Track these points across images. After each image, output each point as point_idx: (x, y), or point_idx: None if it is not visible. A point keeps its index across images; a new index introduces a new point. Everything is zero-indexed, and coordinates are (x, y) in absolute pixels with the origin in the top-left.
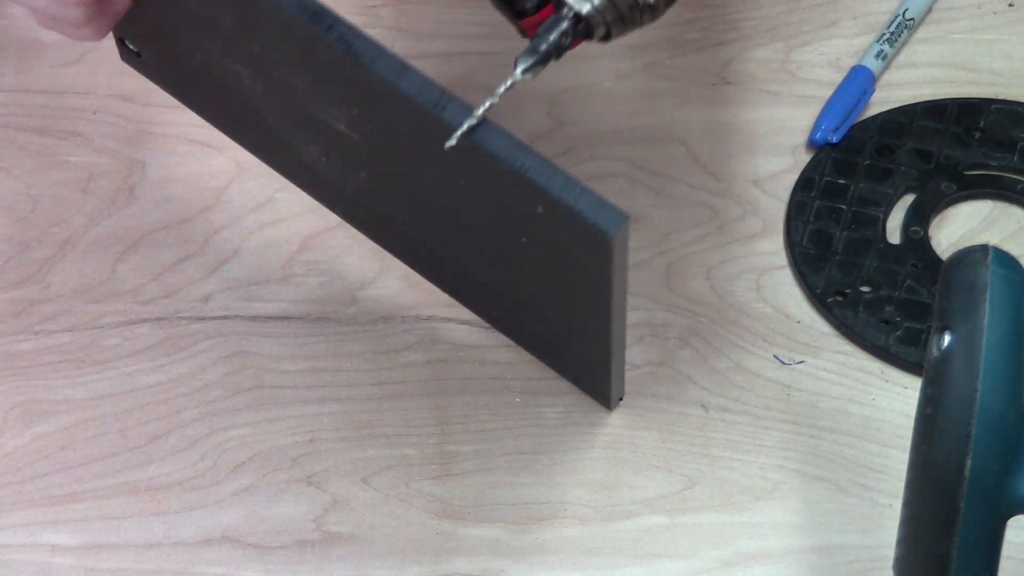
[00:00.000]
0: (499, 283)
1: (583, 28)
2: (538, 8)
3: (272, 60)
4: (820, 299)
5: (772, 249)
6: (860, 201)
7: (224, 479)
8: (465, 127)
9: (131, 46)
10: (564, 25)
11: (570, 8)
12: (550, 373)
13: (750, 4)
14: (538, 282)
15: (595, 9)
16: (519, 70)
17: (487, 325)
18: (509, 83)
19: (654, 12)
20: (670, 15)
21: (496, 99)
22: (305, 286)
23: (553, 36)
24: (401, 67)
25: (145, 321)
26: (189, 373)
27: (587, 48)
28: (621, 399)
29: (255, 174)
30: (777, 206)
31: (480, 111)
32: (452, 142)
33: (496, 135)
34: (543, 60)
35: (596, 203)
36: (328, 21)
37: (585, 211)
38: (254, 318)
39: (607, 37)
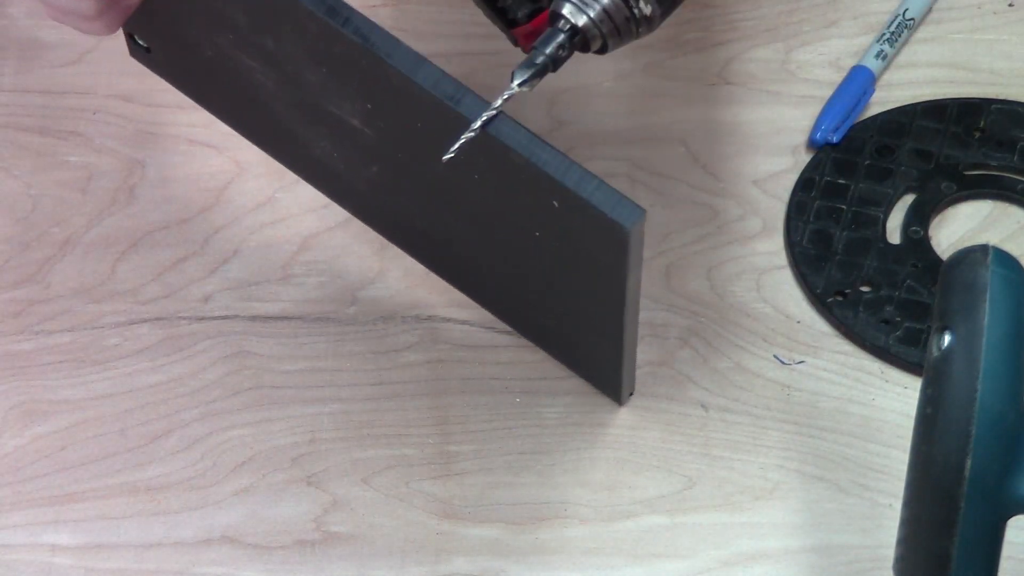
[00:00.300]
0: (511, 277)
1: (579, 41)
2: (530, 18)
3: (286, 54)
4: (820, 299)
5: (772, 249)
6: (860, 201)
7: (224, 479)
8: (462, 140)
9: (141, 42)
10: (560, 38)
11: (566, 21)
12: (550, 373)
13: (750, 4)
14: (551, 276)
15: (591, 22)
16: (516, 83)
17: (487, 325)
18: (506, 95)
19: (650, 24)
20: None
21: (493, 112)
22: (305, 286)
23: (550, 49)
24: (418, 60)
25: (145, 321)
26: (189, 373)
27: None
28: (631, 394)
29: (255, 174)
30: (777, 206)
31: (477, 123)
32: (449, 155)
33: (512, 129)
34: (540, 73)
35: (612, 197)
36: (344, 14)
37: (601, 205)
38: (254, 318)
39: (603, 49)
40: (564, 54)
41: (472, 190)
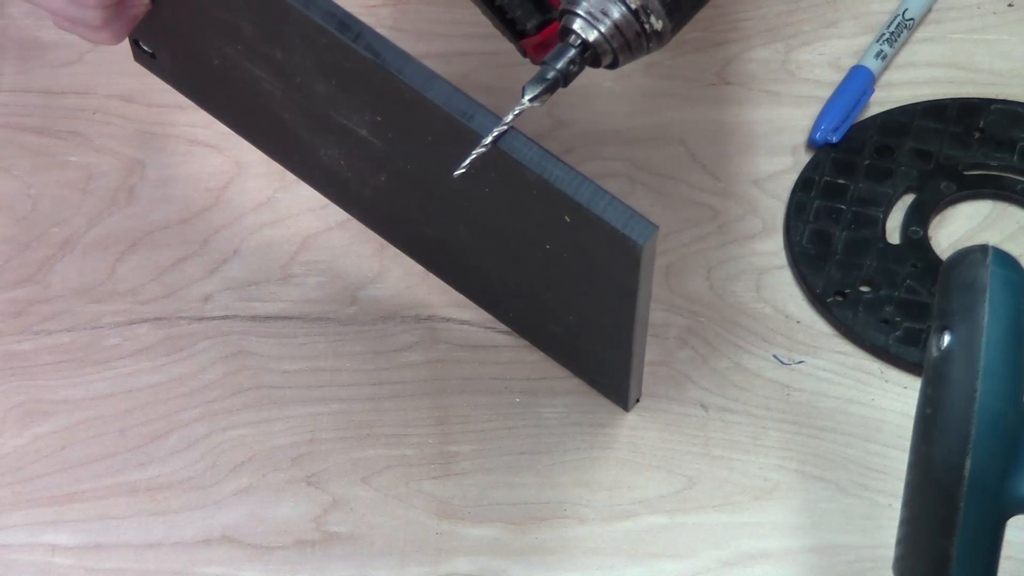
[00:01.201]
0: (520, 285)
1: (590, 56)
2: (539, 29)
3: (294, 65)
4: (820, 299)
5: (772, 249)
6: (860, 201)
7: (224, 479)
8: (473, 155)
9: (146, 48)
10: (571, 53)
11: (577, 36)
12: (550, 373)
13: (750, 4)
14: (561, 286)
15: (602, 37)
16: (527, 98)
17: (487, 325)
18: (517, 111)
19: (660, 39)
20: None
21: (504, 127)
22: (305, 286)
23: (560, 64)
24: (430, 76)
25: (145, 321)
26: (189, 373)
27: None
28: (638, 400)
29: (255, 174)
30: (777, 206)
31: (488, 139)
32: (461, 170)
33: (524, 144)
34: (551, 88)
35: (625, 213)
36: (356, 30)
37: (613, 221)
38: (254, 318)
39: (613, 64)
40: (575, 69)
41: (482, 202)
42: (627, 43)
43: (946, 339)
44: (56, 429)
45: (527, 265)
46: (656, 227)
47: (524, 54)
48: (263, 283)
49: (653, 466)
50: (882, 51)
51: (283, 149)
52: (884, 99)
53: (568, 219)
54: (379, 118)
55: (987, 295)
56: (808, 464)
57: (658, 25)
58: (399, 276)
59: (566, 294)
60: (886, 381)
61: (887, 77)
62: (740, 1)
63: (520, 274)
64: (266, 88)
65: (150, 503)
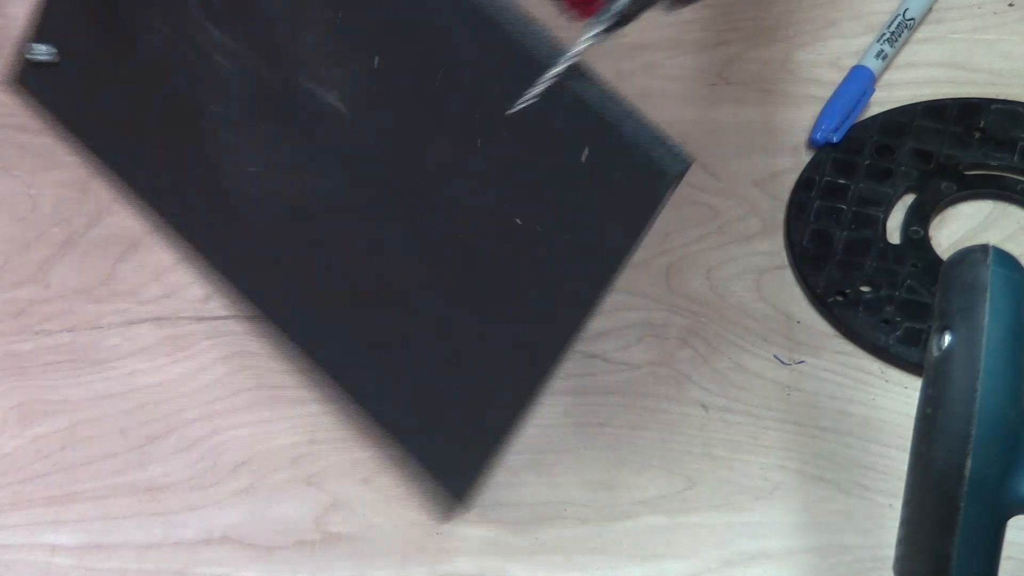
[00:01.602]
0: (438, 304)
1: None
2: None
3: (290, 8)
4: (820, 299)
5: (772, 249)
6: (860, 201)
7: (224, 479)
8: (531, 93)
9: (46, 54)
10: None
11: None
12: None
13: (750, 4)
14: (511, 283)
15: None
16: (589, 35)
17: None
18: (580, 48)
19: None
20: (671, 15)
21: (569, 61)
22: None
23: (621, 1)
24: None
25: (145, 321)
26: (189, 373)
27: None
28: (469, 503)
29: None
30: (777, 206)
31: (549, 75)
32: (514, 110)
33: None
34: (613, 26)
35: (659, 136)
36: None
37: (647, 143)
38: (254, 318)
39: (673, 5)
40: (636, 7)
41: (463, 165)
42: None
43: (946, 339)
44: (56, 429)
45: (479, 260)
46: (693, 158)
47: (563, 10)
48: None
49: (653, 466)
50: (882, 51)
51: (181, 177)
52: (884, 99)
53: (587, 154)
54: (379, 58)
55: (988, 295)
56: (808, 464)
57: None
58: None
59: (511, 295)
60: (887, 381)
61: (887, 77)
62: (740, 1)
63: (454, 280)
64: (217, 63)
65: (150, 503)
